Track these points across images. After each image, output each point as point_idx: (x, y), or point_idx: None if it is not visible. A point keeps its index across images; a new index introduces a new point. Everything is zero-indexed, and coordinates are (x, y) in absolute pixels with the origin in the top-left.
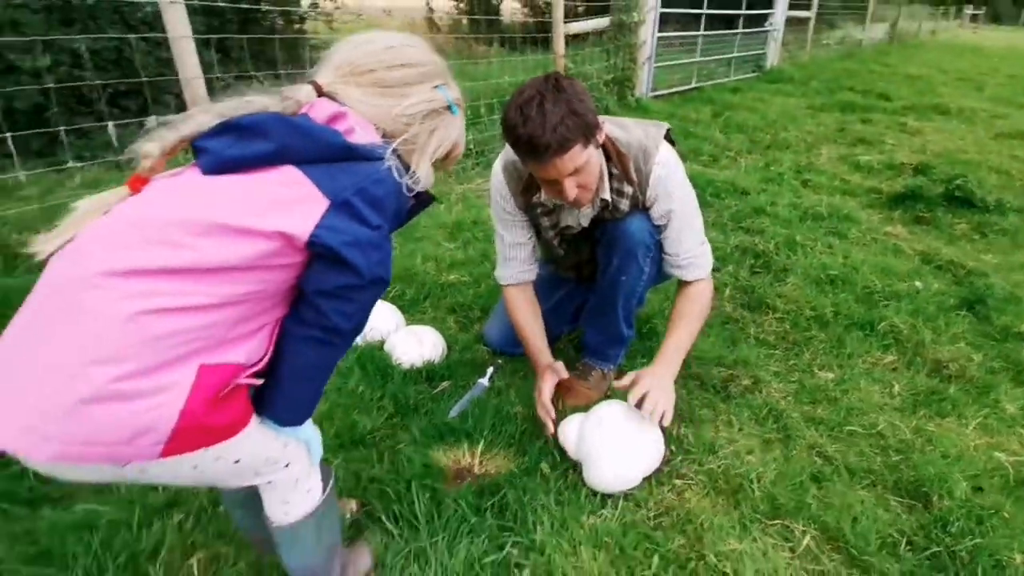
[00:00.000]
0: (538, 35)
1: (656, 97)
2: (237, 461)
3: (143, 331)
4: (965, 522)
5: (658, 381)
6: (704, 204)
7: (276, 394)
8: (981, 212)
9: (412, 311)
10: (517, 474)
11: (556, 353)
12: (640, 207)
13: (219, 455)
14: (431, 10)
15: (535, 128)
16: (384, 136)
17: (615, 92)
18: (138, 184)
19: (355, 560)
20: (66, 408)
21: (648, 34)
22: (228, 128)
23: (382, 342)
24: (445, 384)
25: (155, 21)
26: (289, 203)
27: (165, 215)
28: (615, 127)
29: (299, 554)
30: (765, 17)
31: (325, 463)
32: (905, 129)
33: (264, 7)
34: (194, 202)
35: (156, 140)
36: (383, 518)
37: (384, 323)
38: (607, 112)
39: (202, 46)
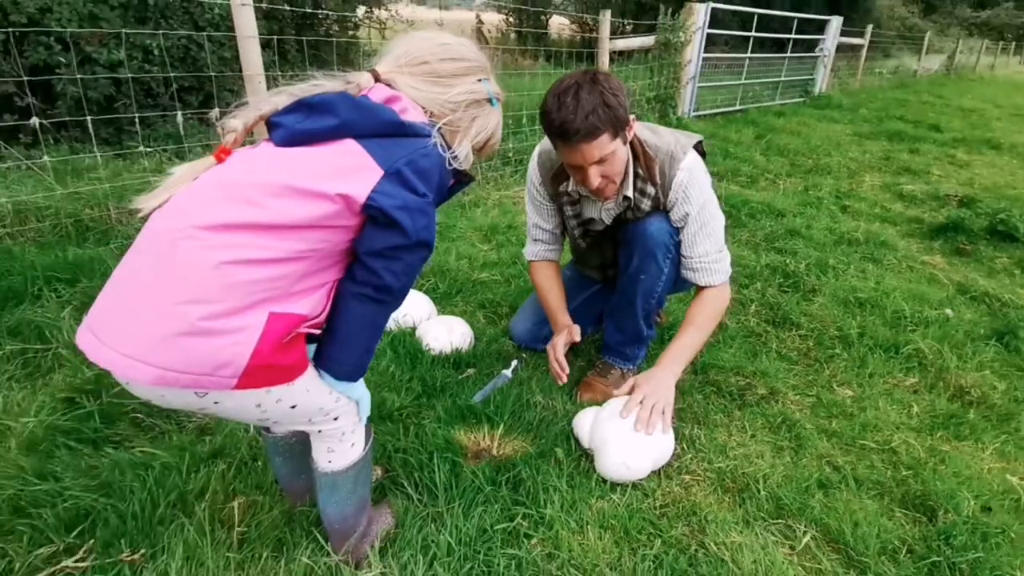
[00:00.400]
0: (584, 50)
1: (699, 117)
2: (294, 406)
3: (226, 277)
4: (969, 537)
5: (655, 385)
6: (738, 224)
7: (332, 348)
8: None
9: (444, 304)
10: (533, 456)
11: (579, 352)
12: (661, 208)
13: (279, 397)
14: (481, 22)
15: (567, 114)
16: (431, 118)
17: (657, 110)
18: (223, 155)
19: (380, 518)
20: (164, 340)
21: (693, 54)
22: (299, 106)
23: (414, 328)
24: (470, 371)
25: (220, 22)
26: (350, 170)
27: (247, 178)
28: (647, 131)
29: (335, 501)
30: (816, 42)
31: (369, 422)
32: (954, 161)
33: (322, 12)
34: (270, 167)
35: (239, 117)
36: (405, 484)
37: (417, 310)
38: None
39: (262, 46)
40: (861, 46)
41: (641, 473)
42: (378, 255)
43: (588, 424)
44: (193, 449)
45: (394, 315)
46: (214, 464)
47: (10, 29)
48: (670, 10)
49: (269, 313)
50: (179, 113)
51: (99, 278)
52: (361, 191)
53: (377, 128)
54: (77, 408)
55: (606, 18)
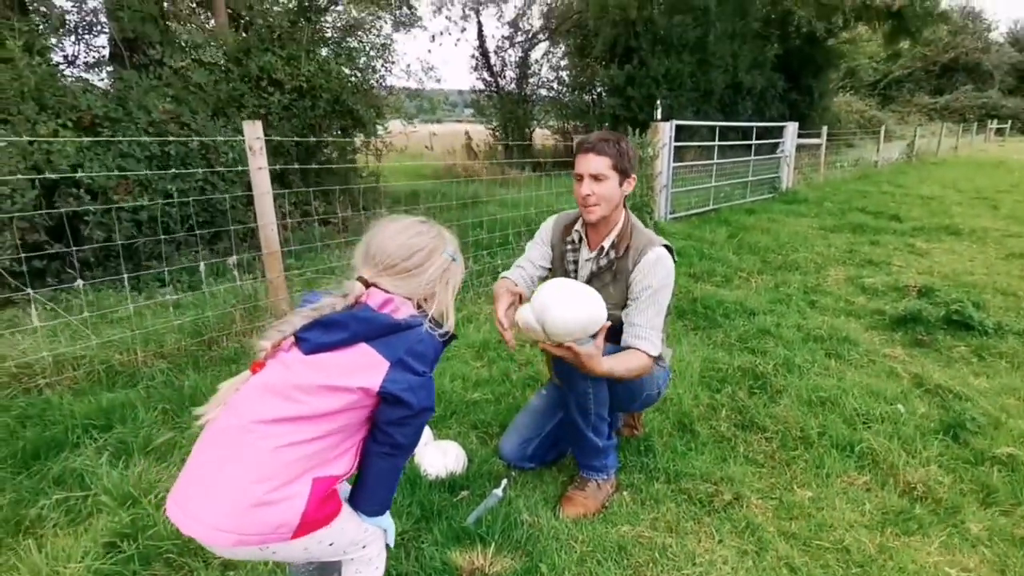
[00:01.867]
0: (567, 159)
1: (675, 219)
2: (331, 544)
3: (279, 458)
4: None
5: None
6: (714, 324)
7: (363, 495)
8: (980, 335)
9: (440, 426)
10: (519, 573)
11: (563, 468)
12: (620, 278)
13: (321, 539)
14: (469, 138)
15: (590, 137)
16: (418, 302)
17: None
18: (257, 368)
19: None
20: (238, 513)
21: (663, 165)
22: (317, 324)
23: (412, 455)
24: (465, 493)
25: (233, 163)
26: (365, 367)
27: (287, 380)
28: (641, 225)
29: None
30: (777, 144)
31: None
32: (914, 250)
33: (324, 141)
34: (305, 372)
35: (267, 339)
36: None
37: None
38: None
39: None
40: (819, 144)
41: (597, 317)
42: (392, 423)
43: (528, 310)
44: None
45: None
46: None
47: (45, 175)
48: (637, 130)
49: (312, 479)
50: (202, 263)
51: (130, 423)
52: (375, 382)
53: (380, 331)
54: (118, 552)
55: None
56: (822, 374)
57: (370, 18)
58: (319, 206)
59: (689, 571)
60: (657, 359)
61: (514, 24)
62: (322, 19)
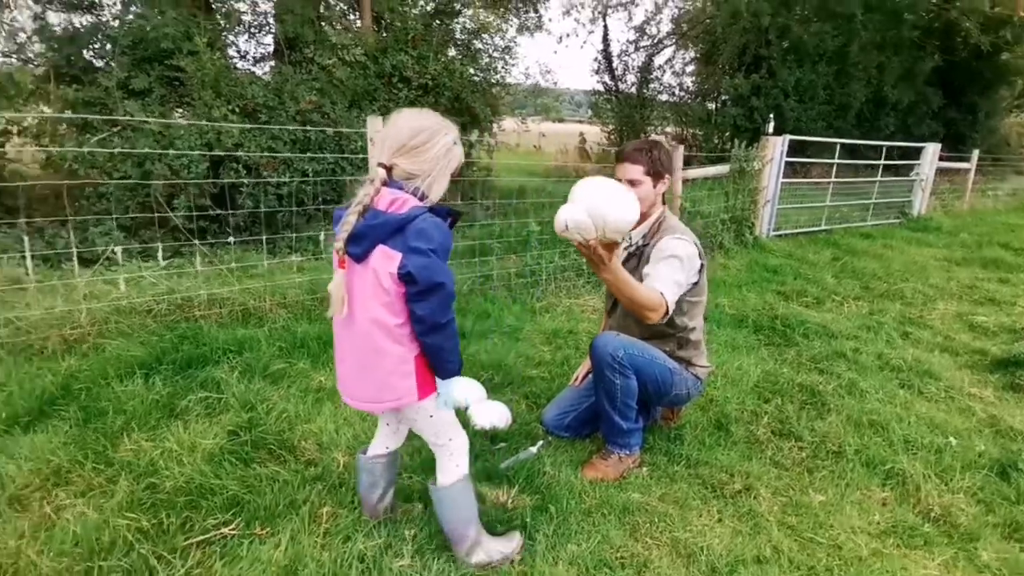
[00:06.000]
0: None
1: (779, 236)
2: (431, 416)
3: (389, 345)
4: None
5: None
6: (790, 343)
7: (435, 367)
8: None
9: (497, 392)
10: (535, 510)
11: (593, 440)
12: (645, 262)
13: (429, 411)
14: (583, 140)
15: (627, 146)
16: (423, 192)
17: (732, 230)
18: (342, 264)
19: (501, 541)
20: (378, 387)
21: (770, 179)
22: (352, 237)
23: (467, 407)
24: (502, 444)
25: (361, 150)
26: (387, 261)
27: (362, 285)
28: (675, 221)
29: (447, 511)
30: (912, 167)
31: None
32: None
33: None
34: (365, 276)
35: (338, 241)
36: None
37: (472, 393)
38: (721, 247)
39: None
40: (968, 170)
41: (632, 213)
42: (411, 299)
43: (565, 210)
44: (303, 471)
45: (454, 397)
46: (314, 484)
47: (214, 154)
48: (743, 143)
49: (414, 357)
50: (323, 234)
51: (255, 353)
52: (394, 269)
53: (390, 231)
54: (237, 438)
55: (679, 153)
56: (884, 401)
57: (497, 22)
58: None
59: (680, 534)
60: (688, 361)
61: (640, 29)
62: (453, 22)
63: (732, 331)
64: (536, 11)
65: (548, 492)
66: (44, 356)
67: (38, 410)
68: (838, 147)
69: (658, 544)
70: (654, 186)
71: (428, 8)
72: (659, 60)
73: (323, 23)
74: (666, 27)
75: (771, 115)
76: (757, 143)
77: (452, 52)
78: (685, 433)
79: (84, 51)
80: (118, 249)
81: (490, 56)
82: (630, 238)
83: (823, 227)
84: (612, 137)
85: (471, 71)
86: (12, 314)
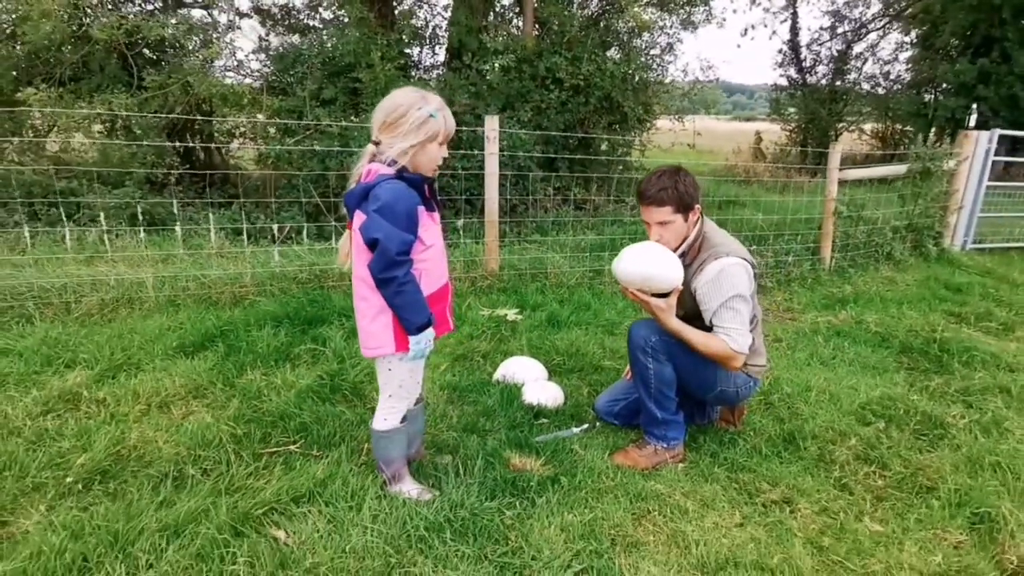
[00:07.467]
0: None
1: (978, 250)
2: (389, 370)
3: (372, 298)
4: None
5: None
6: (940, 370)
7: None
8: None
9: (564, 376)
10: (546, 479)
11: (640, 432)
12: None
13: (389, 364)
14: (759, 138)
15: (647, 184)
16: (399, 152)
17: (908, 240)
18: (349, 226)
19: (416, 487)
20: (368, 336)
21: (968, 181)
22: (346, 206)
23: (523, 384)
24: (544, 421)
25: (506, 148)
26: (358, 223)
27: (359, 245)
28: (716, 233)
29: (374, 448)
30: None
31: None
32: None
33: (597, 137)
34: (355, 238)
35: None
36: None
37: (530, 372)
38: (889, 258)
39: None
40: None
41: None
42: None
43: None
44: (363, 414)
45: (509, 374)
46: (339, 445)
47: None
48: (922, 137)
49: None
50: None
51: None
52: (358, 226)
53: (360, 198)
54: (323, 382)
55: (836, 150)
56: None
57: (659, 20)
58: (577, 192)
59: (686, 527)
60: (744, 360)
61: (837, 14)
62: (616, 22)
63: (868, 350)
64: (707, 3)
65: (570, 466)
66: (218, 306)
67: (200, 344)
68: None
69: (657, 532)
70: (685, 220)
71: (587, 11)
72: (858, 48)
73: (487, 31)
74: (874, 8)
75: (973, 106)
76: (950, 136)
77: (611, 52)
78: (743, 439)
79: (289, 70)
80: (300, 228)
81: (647, 55)
82: None
83: None
84: (794, 135)
85: (624, 70)
86: (199, 272)
